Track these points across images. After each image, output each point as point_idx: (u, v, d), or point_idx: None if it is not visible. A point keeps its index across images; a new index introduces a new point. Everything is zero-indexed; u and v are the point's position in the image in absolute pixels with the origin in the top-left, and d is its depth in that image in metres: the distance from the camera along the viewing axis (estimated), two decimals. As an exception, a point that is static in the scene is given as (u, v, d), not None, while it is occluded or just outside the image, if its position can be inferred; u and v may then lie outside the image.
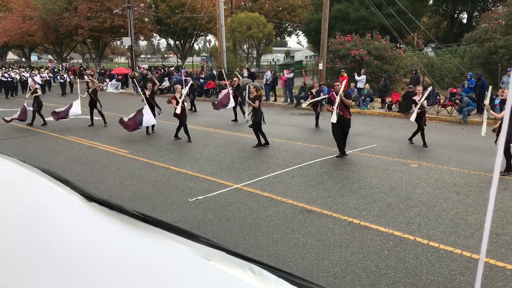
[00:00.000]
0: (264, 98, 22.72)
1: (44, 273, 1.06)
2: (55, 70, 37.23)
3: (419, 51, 31.14)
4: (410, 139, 11.63)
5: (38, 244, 1.17)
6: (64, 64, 46.46)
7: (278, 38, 56.67)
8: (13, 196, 1.43)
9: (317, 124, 14.47)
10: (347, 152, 10.34)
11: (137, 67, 36.08)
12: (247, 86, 12.39)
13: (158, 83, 15.81)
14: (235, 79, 17.80)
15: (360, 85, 19.83)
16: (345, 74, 21.19)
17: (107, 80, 31.83)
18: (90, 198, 1.36)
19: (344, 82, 10.10)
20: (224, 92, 15.93)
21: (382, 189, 7.69)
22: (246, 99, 11.75)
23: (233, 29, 36.31)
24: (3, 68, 34.66)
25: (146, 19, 47.11)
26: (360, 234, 5.71)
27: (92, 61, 52.79)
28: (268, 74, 23.56)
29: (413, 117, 11.18)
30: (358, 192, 7.54)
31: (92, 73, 35.24)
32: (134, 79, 23.62)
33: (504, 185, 7.86)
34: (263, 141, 11.16)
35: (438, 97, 18.05)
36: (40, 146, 11.69)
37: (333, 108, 9.72)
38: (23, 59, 62.28)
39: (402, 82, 24.45)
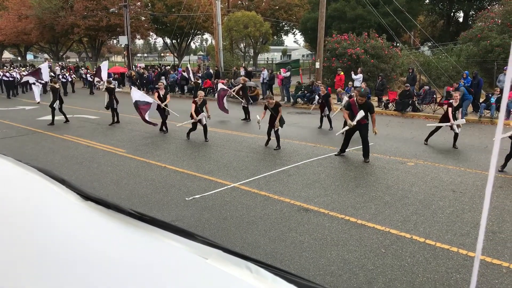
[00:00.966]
0: (261, 97, 22.77)
1: (40, 272, 1.05)
2: (58, 69, 36.56)
3: (415, 50, 31.22)
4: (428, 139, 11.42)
5: (34, 243, 1.17)
6: (60, 63, 46.27)
7: (275, 37, 56.64)
8: (9, 195, 1.43)
9: (321, 125, 14.25)
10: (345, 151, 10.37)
11: (133, 66, 35.99)
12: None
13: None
14: (241, 79, 17.89)
15: (356, 83, 19.84)
16: (342, 73, 21.28)
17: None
18: (86, 197, 1.36)
19: (359, 100, 9.65)
20: (222, 94, 15.91)
21: (378, 187, 7.70)
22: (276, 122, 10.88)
23: (230, 28, 36.27)
24: (4, 68, 33.83)
25: (143, 18, 46.96)
26: (357, 232, 5.72)
27: (88, 60, 52.59)
28: (265, 73, 23.54)
29: (456, 128, 10.72)
30: (355, 190, 7.55)
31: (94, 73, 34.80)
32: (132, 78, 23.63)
33: (500, 183, 7.90)
34: (275, 144, 10.92)
35: (434, 96, 18.11)
36: (36, 145, 11.65)
37: (349, 117, 9.67)
38: (19, 58, 61.96)
39: (399, 81, 24.52)
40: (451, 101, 11.12)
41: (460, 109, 11.05)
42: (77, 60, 65.12)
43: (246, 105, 15.91)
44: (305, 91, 20.83)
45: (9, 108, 20.02)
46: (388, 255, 5.04)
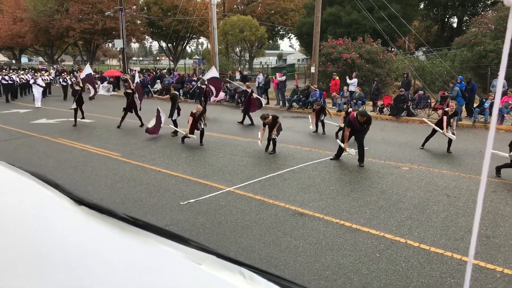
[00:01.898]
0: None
1: (33, 277, 1.05)
2: (53, 72, 35.91)
3: (410, 55, 31.42)
4: (447, 149, 11.16)
5: (27, 248, 1.16)
6: (55, 66, 46.09)
7: (270, 41, 56.87)
8: (1, 200, 1.41)
9: (316, 129, 14.13)
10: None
11: (129, 70, 35.92)
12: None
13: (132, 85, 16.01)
14: (247, 84, 17.88)
15: (351, 88, 19.93)
16: (337, 78, 21.36)
17: (99, 82, 31.62)
18: (80, 201, 1.35)
19: (360, 119, 9.59)
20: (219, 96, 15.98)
21: (373, 192, 7.72)
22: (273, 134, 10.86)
23: (225, 32, 36.36)
24: (4, 70, 32.61)
25: (138, 22, 47.01)
26: (351, 237, 5.73)
27: (83, 63, 52.45)
28: (261, 77, 23.58)
29: (451, 135, 10.77)
30: (350, 195, 7.56)
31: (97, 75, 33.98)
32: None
33: (494, 187, 7.94)
34: (270, 148, 10.93)
35: (429, 101, 18.21)
36: (30, 149, 11.58)
37: (347, 136, 9.71)
38: (13, 61, 61.69)
39: (394, 86, 24.63)
40: (446, 109, 11.18)
41: (456, 117, 11.08)
42: (72, 64, 64.89)
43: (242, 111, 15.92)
44: (300, 95, 20.88)
45: (2, 111, 19.88)
46: (383, 260, 5.05)
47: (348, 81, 20.48)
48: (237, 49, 42.70)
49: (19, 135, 13.59)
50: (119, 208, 4.68)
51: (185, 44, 55.69)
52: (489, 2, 35.90)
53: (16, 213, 1.33)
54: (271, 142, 10.91)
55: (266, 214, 6.56)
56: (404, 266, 4.91)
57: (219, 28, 34.04)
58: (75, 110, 15.43)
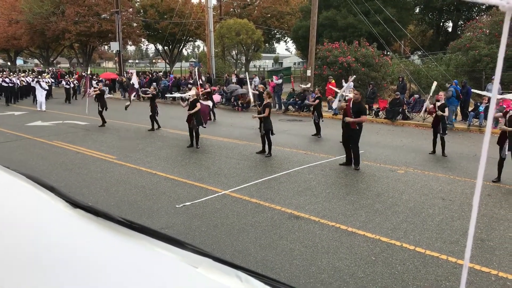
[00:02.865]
0: (252, 104, 22.81)
1: (28, 281, 1.04)
2: (48, 75, 35.20)
3: (405, 59, 31.58)
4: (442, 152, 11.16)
5: (22, 251, 1.15)
6: (51, 68, 45.93)
7: (266, 44, 56.90)
8: (-4, 203, 1.41)
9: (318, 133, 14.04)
10: (335, 158, 10.41)
11: (124, 72, 35.86)
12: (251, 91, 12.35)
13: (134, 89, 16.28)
14: (260, 86, 17.23)
15: (347, 92, 19.97)
16: (333, 81, 21.43)
17: (94, 84, 31.51)
18: (75, 204, 1.35)
19: (354, 96, 9.62)
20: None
21: (369, 195, 7.74)
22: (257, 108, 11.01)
23: (222, 35, 36.38)
24: (4, 73, 31.51)
25: (135, 24, 46.91)
26: (347, 240, 5.73)
27: (79, 66, 52.30)
28: (257, 80, 23.61)
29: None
30: (346, 198, 7.57)
31: (98, 78, 33.25)
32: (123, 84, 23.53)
33: (489, 191, 7.98)
34: (266, 150, 10.86)
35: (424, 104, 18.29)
36: (25, 151, 11.52)
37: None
38: (9, 63, 61.42)
39: (389, 89, 24.75)
40: (436, 102, 11.39)
41: (446, 109, 11.20)
42: (68, 66, 64.65)
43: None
44: (296, 99, 20.92)
45: (4, 113, 19.77)
46: (379, 263, 5.05)
47: (344, 84, 20.51)
48: (234, 52, 42.72)
49: (14, 138, 13.52)
50: (115, 211, 4.66)
51: (181, 47, 55.66)
52: (483, 7, 36.17)
53: (10, 216, 1.32)
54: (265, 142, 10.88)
55: (262, 217, 6.56)
56: (400, 269, 4.91)
57: (216, 31, 34.06)
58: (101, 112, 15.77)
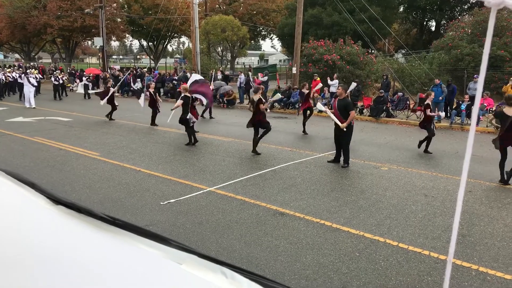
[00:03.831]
0: (238, 101, 22.80)
1: (8, 280, 1.01)
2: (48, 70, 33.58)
3: (390, 57, 31.92)
4: (424, 149, 11.30)
5: (1, 249, 1.13)
6: (32, 63, 45.04)
7: (252, 41, 56.92)
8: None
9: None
10: (320, 155, 10.47)
11: (108, 68, 35.41)
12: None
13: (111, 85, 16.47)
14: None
15: (332, 89, 20.12)
16: (318, 79, 21.53)
17: (77, 80, 31.05)
18: (57, 201, 1.32)
19: (338, 92, 9.62)
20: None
21: (353, 191, 7.80)
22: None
23: (207, 32, 36.20)
24: None
25: (119, 20, 46.30)
26: (331, 236, 5.77)
27: (61, 61, 51.41)
28: (242, 77, 23.59)
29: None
30: (330, 194, 7.63)
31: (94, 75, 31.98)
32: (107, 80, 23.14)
33: (470, 187, 8.13)
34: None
35: (408, 102, 18.54)
36: (5, 147, 11.29)
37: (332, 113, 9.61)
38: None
39: (373, 87, 24.98)
40: (428, 102, 11.36)
41: (436, 108, 11.27)
42: (51, 61, 63.51)
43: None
44: (282, 96, 20.96)
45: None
46: (362, 259, 5.11)
47: (329, 82, 20.65)
48: (219, 49, 42.58)
49: (-6, 134, 13.24)
50: (98, 208, 4.61)
51: (166, 43, 55.23)
52: (465, 7, 36.79)
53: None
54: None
55: (247, 214, 6.56)
56: (383, 264, 4.97)
57: (201, 27, 33.87)
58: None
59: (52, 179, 8.40)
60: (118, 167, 9.35)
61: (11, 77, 25.66)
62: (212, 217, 6.41)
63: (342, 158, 9.73)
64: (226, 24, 36.58)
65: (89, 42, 61.22)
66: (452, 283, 4.56)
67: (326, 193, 7.70)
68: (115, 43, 79.42)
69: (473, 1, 32.87)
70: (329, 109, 10.86)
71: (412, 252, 5.30)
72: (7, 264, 1.06)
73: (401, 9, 38.82)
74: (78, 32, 43.58)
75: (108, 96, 16.00)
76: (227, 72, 32.51)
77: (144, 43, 53.92)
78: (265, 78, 21.91)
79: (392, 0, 34.16)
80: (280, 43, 48.96)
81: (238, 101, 22.81)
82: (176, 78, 26.84)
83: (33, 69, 29.24)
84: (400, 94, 19.17)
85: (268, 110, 12.44)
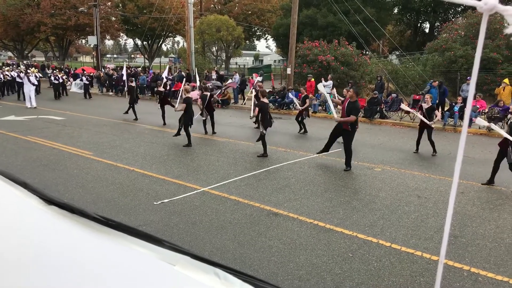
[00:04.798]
0: (232, 101, 22.78)
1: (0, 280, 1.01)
2: (23, 67, 33.39)
3: (384, 58, 32.05)
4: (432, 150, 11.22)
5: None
6: (25, 61, 44.71)
7: (247, 41, 56.92)
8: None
9: (305, 130, 14.12)
10: (312, 156, 10.49)
11: (102, 67, 35.24)
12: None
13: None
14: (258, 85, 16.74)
15: (327, 90, 20.16)
16: (313, 79, 21.59)
17: (71, 79, 30.87)
18: (49, 201, 1.31)
19: (349, 94, 9.55)
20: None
21: (346, 192, 7.83)
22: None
23: (202, 31, 36.16)
24: None
25: (113, 18, 46.11)
26: (325, 236, 5.79)
27: (55, 60, 51.09)
28: (237, 77, 23.56)
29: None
30: (324, 195, 7.64)
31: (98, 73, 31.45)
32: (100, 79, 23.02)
33: (462, 189, 8.18)
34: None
35: (401, 103, 18.61)
36: (-3, 146, 11.19)
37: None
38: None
39: (367, 88, 25.06)
40: (422, 104, 11.40)
41: (434, 112, 11.18)
42: (45, 60, 63.08)
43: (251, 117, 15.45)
44: (277, 96, 20.99)
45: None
46: (355, 260, 5.12)
47: (324, 83, 20.69)
48: (214, 49, 42.56)
49: (-14, 132, 13.12)
50: (91, 208, 4.58)
51: (160, 42, 55.10)
52: (459, 9, 37.03)
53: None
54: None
55: (240, 214, 6.56)
56: (376, 265, 4.99)
57: (196, 27, 33.82)
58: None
59: (44, 178, 8.34)
60: (112, 167, 9.31)
61: (9, 75, 25.06)
62: (206, 217, 6.40)
63: (343, 160, 9.64)
64: (221, 24, 36.57)
65: (83, 41, 60.91)
66: (444, 284, 4.59)
67: (319, 194, 7.71)
68: (109, 42, 79.02)
69: (462, 8, 33.11)
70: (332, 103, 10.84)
71: (405, 253, 5.33)
72: (-1, 264, 1.05)
73: (396, 11, 39.00)
74: (72, 30, 43.34)
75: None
76: (221, 72, 32.48)
77: (139, 42, 53.81)
78: (260, 78, 21.90)
79: (386, 2, 34.36)
80: (275, 44, 49.06)
81: (232, 101, 22.79)
82: (171, 77, 26.74)
83: (33, 68, 28.89)
84: (394, 95, 19.25)
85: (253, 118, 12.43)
